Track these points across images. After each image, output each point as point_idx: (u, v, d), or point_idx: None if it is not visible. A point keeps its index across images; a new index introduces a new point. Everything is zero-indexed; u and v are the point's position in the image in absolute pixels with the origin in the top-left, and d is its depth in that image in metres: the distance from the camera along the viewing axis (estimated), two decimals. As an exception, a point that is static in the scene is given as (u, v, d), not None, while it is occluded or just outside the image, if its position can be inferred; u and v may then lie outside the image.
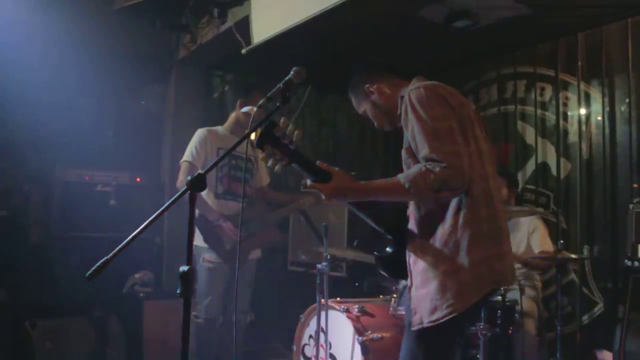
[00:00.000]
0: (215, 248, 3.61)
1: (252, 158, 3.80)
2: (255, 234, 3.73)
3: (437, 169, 1.84)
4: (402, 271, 2.13)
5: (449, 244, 1.95)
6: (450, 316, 1.92)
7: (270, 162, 1.96)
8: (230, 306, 3.71)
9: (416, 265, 2.05)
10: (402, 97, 2.11)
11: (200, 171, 1.70)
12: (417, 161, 1.97)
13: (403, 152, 2.06)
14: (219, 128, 3.81)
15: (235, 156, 3.71)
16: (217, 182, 3.68)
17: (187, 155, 3.64)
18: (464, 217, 1.95)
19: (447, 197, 1.92)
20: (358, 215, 2.19)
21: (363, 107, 2.33)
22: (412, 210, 2.11)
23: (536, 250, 3.68)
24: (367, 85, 2.27)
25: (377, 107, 2.27)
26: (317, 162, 2.00)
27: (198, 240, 3.57)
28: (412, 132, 1.97)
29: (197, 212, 3.45)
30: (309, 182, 2.01)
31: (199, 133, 3.71)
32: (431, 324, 1.96)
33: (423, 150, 1.91)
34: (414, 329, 2.01)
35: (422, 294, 2.00)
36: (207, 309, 3.64)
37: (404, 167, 2.05)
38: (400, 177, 1.91)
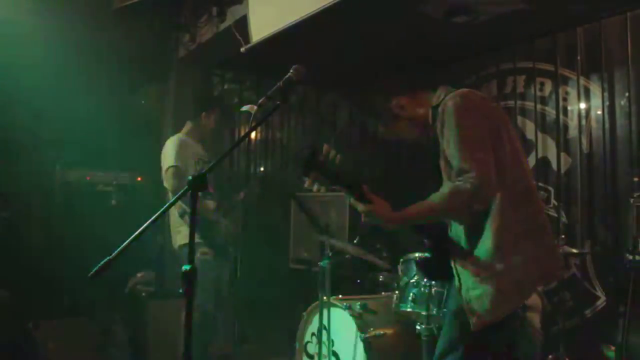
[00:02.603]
0: (212, 244, 3.78)
1: (207, 160, 3.95)
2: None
3: (468, 185, 1.93)
4: (441, 274, 2.26)
5: (507, 242, 2.03)
6: (511, 312, 2.04)
7: (315, 187, 2.04)
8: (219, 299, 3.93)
9: (465, 268, 2.12)
10: (435, 106, 2.17)
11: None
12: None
13: (441, 162, 2.13)
14: (182, 136, 3.95)
15: (202, 161, 3.90)
16: None
17: (171, 161, 3.75)
18: (517, 215, 2.04)
19: (479, 208, 2.01)
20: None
21: (395, 126, 2.34)
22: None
23: None
24: (393, 103, 2.30)
25: (408, 121, 2.30)
26: (364, 186, 2.07)
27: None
28: (447, 141, 2.06)
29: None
30: (351, 200, 2.09)
31: (175, 140, 3.87)
32: (492, 321, 2.03)
33: (455, 160, 2.01)
34: (475, 329, 2.06)
35: (477, 294, 2.06)
36: (201, 301, 3.71)
37: (444, 177, 2.12)
38: (435, 200, 2.01)
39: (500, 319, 2.03)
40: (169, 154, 3.79)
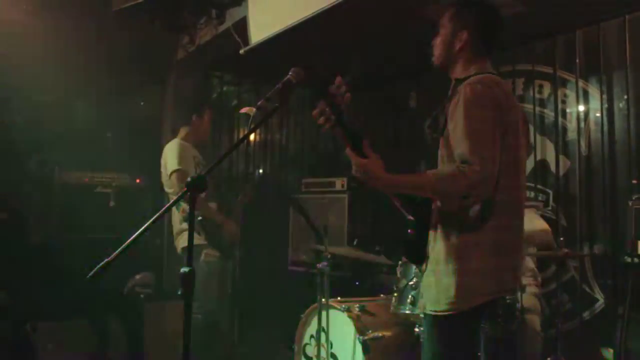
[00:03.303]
0: (218, 246, 3.80)
1: (202, 162, 3.98)
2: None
3: (469, 174, 1.83)
4: (420, 255, 2.14)
5: (468, 245, 1.96)
6: (448, 313, 1.96)
7: (321, 119, 1.96)
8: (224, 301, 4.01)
9: (433, 251, 2.07)
10: (460, 80, 2.09)
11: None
12: (451, 154, 1.96)
13: (441, 140, 2.05)
14: (180, 140, 3.97)
15: (200, 164, 3.94)
16: None
17: (174, 165, 3.76)
18: (489, 223, 1.95)
19: (470, 204, 1.93)
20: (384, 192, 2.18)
21: (442, 27, 2.23)
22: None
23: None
24: (460, 29, 2.16)
25: (447, 46, 2.19)
26: (365, 140, 2.00)
27: (196, 238, 3.63)
28: (455, 126, 1.95)
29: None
30: (348, 149, 2.01)
31: (176, 144, 3.90)
32: (432, 313, 2.01)
33: (460, 149, 1.90)
34: (416, 312, 2.05)
35: (431, 281, 2.04)
36: (205, 304, 3.72)
37: (439, 154, 2.05)
38: (432, 176, 1.90)
39: (442, 315, 1.97)
40: (170, 158, 3.79)
